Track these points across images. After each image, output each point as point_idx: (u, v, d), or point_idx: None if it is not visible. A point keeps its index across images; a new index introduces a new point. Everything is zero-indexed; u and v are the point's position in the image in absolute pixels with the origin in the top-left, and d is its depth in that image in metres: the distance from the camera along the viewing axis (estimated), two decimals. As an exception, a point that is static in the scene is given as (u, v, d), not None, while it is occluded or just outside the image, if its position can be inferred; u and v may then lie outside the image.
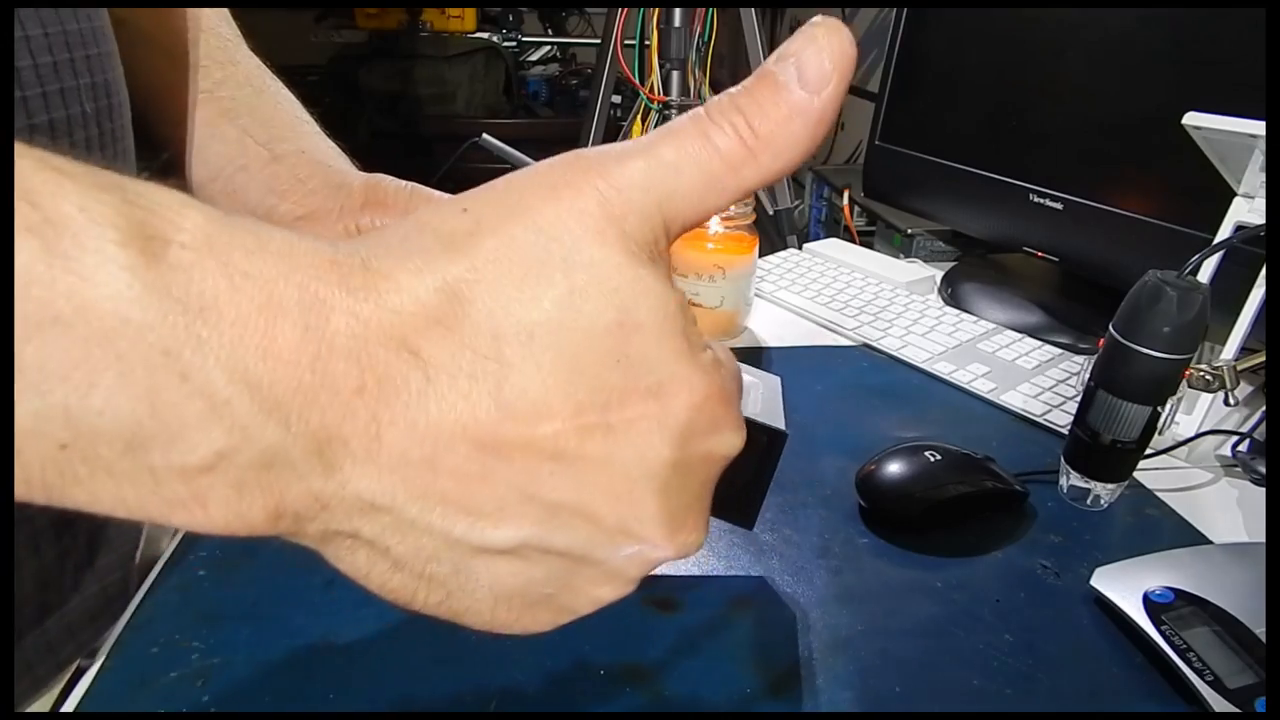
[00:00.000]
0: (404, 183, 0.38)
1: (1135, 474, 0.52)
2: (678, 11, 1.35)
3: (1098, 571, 0.43)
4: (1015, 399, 0.63)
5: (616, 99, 1.58)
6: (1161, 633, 0.38)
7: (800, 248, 0.96)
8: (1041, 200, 0.74)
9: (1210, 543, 0.49)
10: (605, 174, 0.19)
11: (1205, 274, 0.55)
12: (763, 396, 0.39)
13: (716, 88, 1.41)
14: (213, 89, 0.40)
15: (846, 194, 1.31)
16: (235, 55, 0.42)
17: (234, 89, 0.40)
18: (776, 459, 0.33)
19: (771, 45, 2.44)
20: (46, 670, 0.40)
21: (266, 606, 0.41)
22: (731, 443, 0.22)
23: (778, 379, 0.44)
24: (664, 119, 1.40)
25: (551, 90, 2.55)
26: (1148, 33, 0.65)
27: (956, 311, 0.78)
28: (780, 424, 0.34)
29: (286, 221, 0.36)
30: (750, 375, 0.44)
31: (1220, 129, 0.51)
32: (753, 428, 0.31)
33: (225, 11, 0.47)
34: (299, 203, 0.36)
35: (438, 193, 0.37)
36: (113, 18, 0.41)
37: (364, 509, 0.18)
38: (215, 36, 0.42)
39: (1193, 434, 0.56)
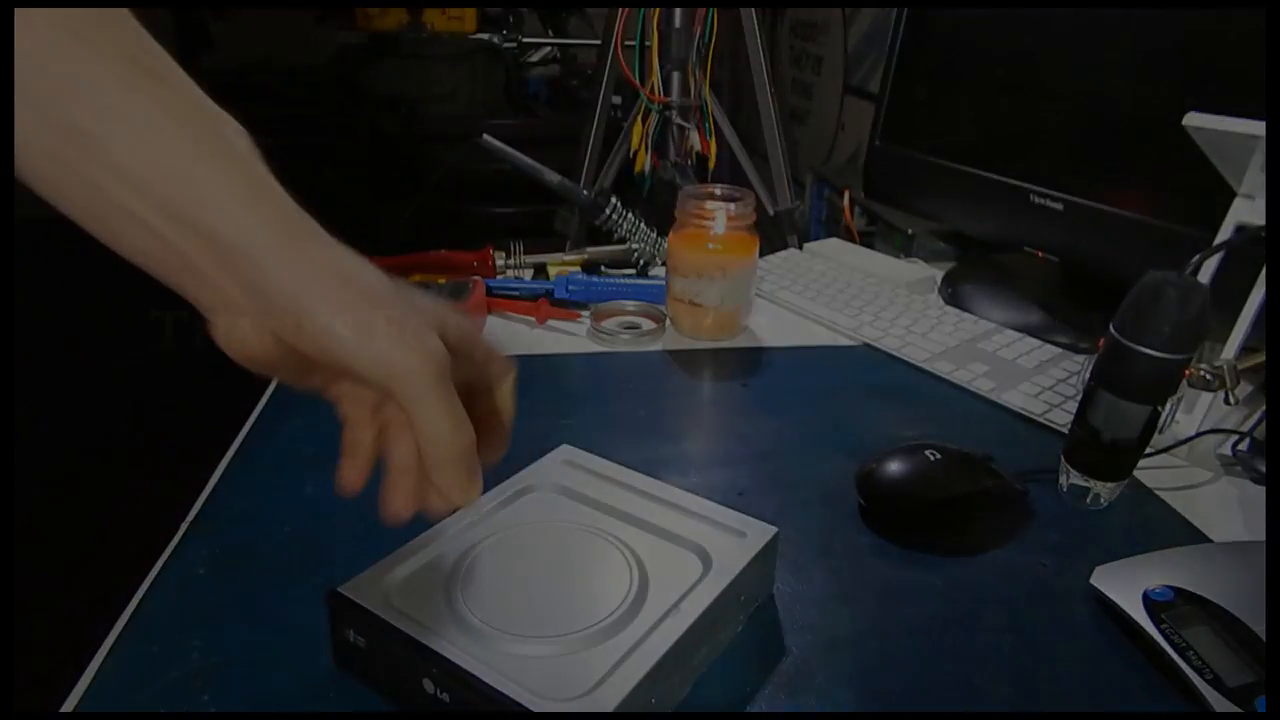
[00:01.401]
0: None
1: (1135, 473, 0.52)
2: (678, 12, 1.35)
3: (1098, 570, 0.43)
4: (1015, 398, 0.63)
5: (617, 99, 1.57)
6: (1161, 631, 0.38)
7: (801, 248, 0.96)
8: (1042, 200, 0.74)
9: (1210, 541, 0.49)
10: None
11: (1206, 274, 0.55)
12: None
13: (716, 88, 1.41)
14: None
15: (846, 194, 1.31)
16: None
17: None
18: None
19: (772, 45, 2.44)
20: None
21: (266, 606, 0.41)
22: None
23: (773, 532, 0.41)
24: (664, 120, 1.39)
25: (552, 90, 2.55)
26: (1148, 33, 0.65)
27: (957, 311, 0.78)
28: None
29: None
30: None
31: (1220, 129, 0.51)
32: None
33: None
34: None
35: None
36: None
37: None
38: None
39: (1193, 433, 0.56)
